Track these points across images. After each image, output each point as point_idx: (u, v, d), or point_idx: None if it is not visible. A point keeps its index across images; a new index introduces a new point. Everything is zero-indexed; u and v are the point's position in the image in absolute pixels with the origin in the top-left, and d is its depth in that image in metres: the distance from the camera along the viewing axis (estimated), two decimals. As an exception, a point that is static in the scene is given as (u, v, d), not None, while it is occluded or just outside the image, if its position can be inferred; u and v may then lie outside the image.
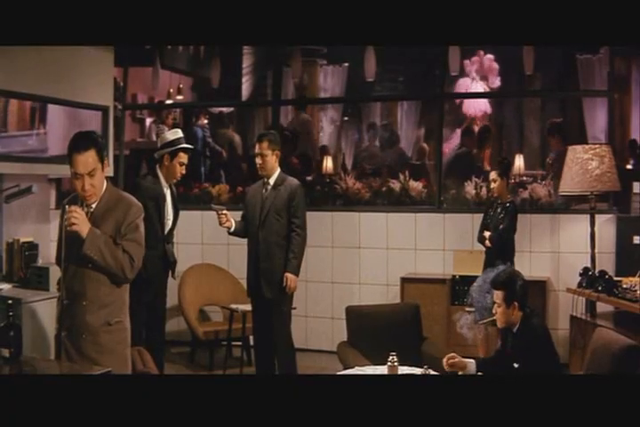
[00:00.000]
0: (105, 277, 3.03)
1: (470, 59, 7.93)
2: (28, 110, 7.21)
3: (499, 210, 5.17)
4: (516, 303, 3.48)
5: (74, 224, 2.92)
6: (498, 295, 3.52)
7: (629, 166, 6.67)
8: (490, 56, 7.90)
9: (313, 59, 8.55)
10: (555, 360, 3.51)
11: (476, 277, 5.33)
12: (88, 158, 2.97)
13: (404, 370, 3.61)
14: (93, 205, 3.06)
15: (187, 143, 4.73)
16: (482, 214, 5.36)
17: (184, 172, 4.69)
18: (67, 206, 3.00)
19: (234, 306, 5.56)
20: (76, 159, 2.97)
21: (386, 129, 8.35)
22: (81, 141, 3.00)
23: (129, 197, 3.18)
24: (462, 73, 7.75)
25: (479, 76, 7.93)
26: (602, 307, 5.04)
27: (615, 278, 4.69)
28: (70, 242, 2.99)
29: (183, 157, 4.65)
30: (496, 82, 7.92)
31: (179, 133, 4.71)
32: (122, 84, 7.10)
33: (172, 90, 9.06)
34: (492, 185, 5.19)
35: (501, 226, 5.08)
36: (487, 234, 5.14)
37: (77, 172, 2.97)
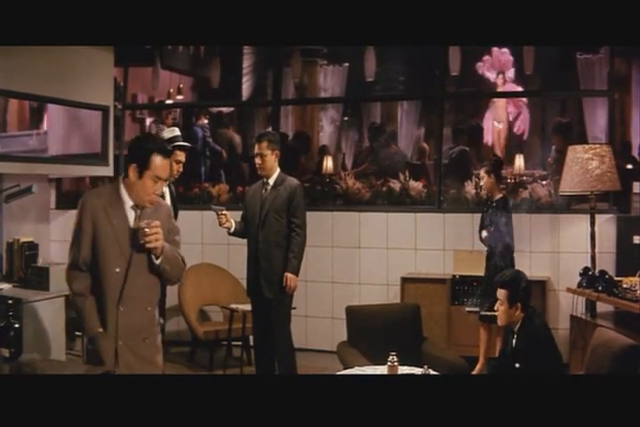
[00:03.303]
0: (159, 280, 3.00)
1: (482, 58, 7.97)
2: (28, 110, 7.22)
3: (493, 207, 5.19)
4: (518, 304, 3.48)
5: (157, 241, 2.82)
6: (501, 293, 3.53)
7: (629, 166, 6.67)
8: (504, 50, 7.94)
9: (313, 59, 8.55)
10: (557, 360, 3.51)
11: (476, 277, 5.35)
12: (170, 163, 2.94)
13: (404, 370, 3.61)
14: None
15: (187, 143, 4.72)
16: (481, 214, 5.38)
17: (181, 170, 4.68)
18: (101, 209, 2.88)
19: (234, 306, 5.56)
20: (163, 163, 2.87)
21: (386, 129, 8.33)
22: (164, 146, 2.94)
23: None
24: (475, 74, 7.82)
25: (495, 72, 7.98)
26: (602, 307, 5.03)
27: (615, 278, 4.69)
28: (124, 250, 2.86)
29: (180, 155, 4.64)
30: (511, 74, 7.99)
31: (175, 132, 4.70)
32: (122, 84, 7.10)
33: (171, 90, 9.06)
34: (481, 182, 5.24)
35: (492, 225, 5.10)
36: (484, 235, 5.15)
37: (162, 177, 2.88)
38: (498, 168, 5.26)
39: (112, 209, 2.88)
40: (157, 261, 2.86)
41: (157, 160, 2.84)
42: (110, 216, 2.87)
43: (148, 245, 2.80)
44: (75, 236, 2.90)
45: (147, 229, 2.78)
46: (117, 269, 2.86)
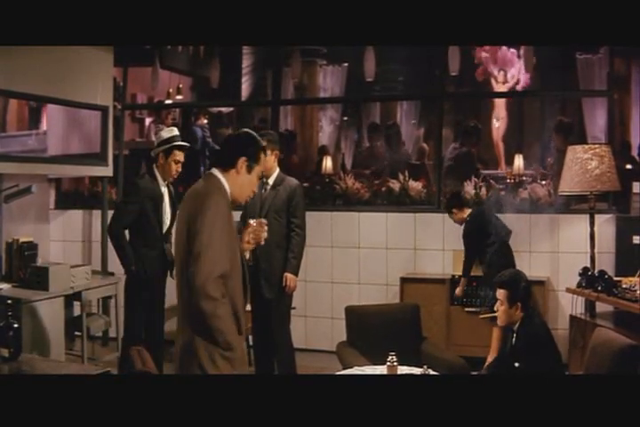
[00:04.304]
0: None
1: (489, 49, 7.98)
2: (27, 110, 7.22)
3: (468, 222, 5.36)
4: (518, 304, 3.48)
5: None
6: (501, 293, 3.53)
7: (629, 166, 6.67)
8: (513, 50, 7.94)
9: (313, 59, 8.56)
10: (556, 359, 3.51)
11: (475, 277, 5.36)
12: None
13: (403, 370, 3.61)
14: None
15: (185, 143, 4.72)
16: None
17: (180, 170, 4.67)
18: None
19: (233, 306, 5.55)
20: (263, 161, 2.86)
21: (390, 129, 8.31)
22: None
23: None
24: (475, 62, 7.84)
25: (497, 68, 7.97)
26: (601, 307, 5.04)
27: (615, 278, 4.69)
28: (237, 248, 2.82)
29: (178, 155, 4.63)
30: (512, 74, 7.99)
31: (174, 131, 4.69)
32: (121, 84, 7.10)
33: (171, 90, 9.06)
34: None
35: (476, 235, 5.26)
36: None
37: (262, 174, 2.93)
38: (453, 201, 5.45)
39: (230, 207, 2.78)
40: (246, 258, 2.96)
41: (263, 157, 2.84)
42: (231, 215, 2.77)
43: (261, 242, 2.93)
44: (217, 241, 2.63)
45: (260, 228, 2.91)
46: (241, 269, 2.80)
